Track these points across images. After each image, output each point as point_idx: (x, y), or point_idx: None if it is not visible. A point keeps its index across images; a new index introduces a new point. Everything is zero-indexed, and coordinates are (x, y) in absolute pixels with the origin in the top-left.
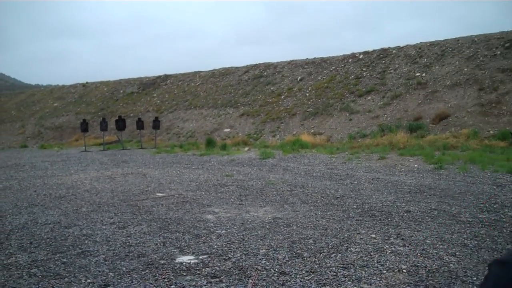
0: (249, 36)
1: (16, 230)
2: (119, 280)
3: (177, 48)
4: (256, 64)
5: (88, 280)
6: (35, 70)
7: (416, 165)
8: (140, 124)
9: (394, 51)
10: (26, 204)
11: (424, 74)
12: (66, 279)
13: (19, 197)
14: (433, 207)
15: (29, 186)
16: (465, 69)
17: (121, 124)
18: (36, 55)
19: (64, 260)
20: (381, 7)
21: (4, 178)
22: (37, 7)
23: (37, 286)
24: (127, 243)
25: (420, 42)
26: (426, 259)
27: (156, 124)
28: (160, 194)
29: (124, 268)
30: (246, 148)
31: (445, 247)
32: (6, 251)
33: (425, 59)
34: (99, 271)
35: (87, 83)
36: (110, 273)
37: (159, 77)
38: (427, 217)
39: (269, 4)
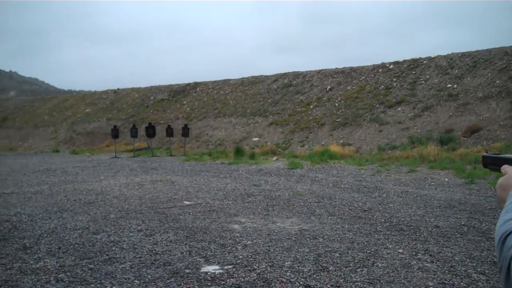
0: (282, 45)
1: (46, 235)
2: None
3: (209, 55)
4: (285, 73)
5: (114, 287)
6: (69, 76)
7: (446, 179)
8: (169, 132)
9: (425, 62)
10: (56, 209)
11: (455, 86)
12: (92, 285)
13: (49, 202)
14: (462, 223)
15: (60, 191)
16: (497, 81)
17: (151, 131)
18: (71, 60)
19: (91, 266)
20: (415, 17)
21: (35, 183)
22: (74, 12)
23: None
24: (154, 251)
25: (452, 53)
26: (454, 276)
27: (186, 131)
28: (187, 202)
29: (149, 276)
30: (275, 158)
31: (474, 264)
32: (35, 255)
33: (457, 70)
34: (125, 278)
35: (118, 89)
36: (136, 281)
37: (189, 84)
38: (456, 233)
39: (303, 12)
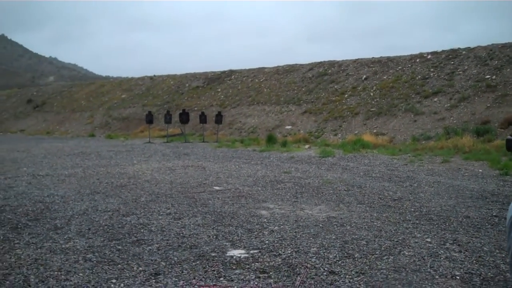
0: (320, 34)
1: (77, 216)
2: (169, 270)
3: (245, 43)
4: (321, 62)
5: (140, 268)
6: (107, 62)
7: (480, 170)
8: (203, 118)
9: (464, 52)
10: (88, 191)
11: (494, 77)
12: (119, 265)
13: (82, 184)
14: (494, 214)
15: (93, 174)
16: None
17: (184, 118)
18: (110, 47)
19: (119, 247)
20: (455, 7)
21: (70, 166)
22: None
23: (91, 271)
24: (181, 234)
25: (492, 44)
26: (481, 266)
27: (219, 118)
28: (217, 188)
29: (175, 258)
30: (307, 146)
31: (503, 255)
32: (66, 235)
33: (496, 61)
34: (152, 260)
35: (154, 76)
36: (162, 262)
37: (224, 72)
38: (486, 224)
39: (342, 1)
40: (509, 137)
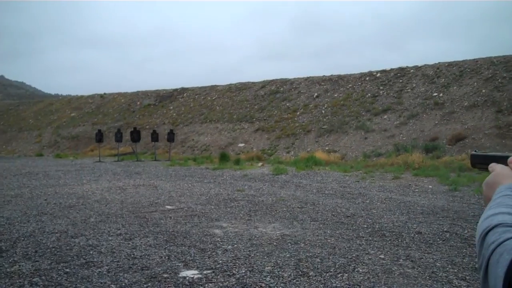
0: (273, 52)
1: (23, 238)
2: None
3: (198, 61)
4: (273, 80)
5: None
6: (56, 80)
7: (430, 186)
8: (154, 136)
9: (412, 71)
10: (35, 213)
11: (441, 95)
12: None
13: (29, 205)
14: (445, 229)
15: (40, 195)
16: (483, 91)
17: (136, 136)
18: (59, 64)
19: (67, 270)
20: (403, 27)
21: (16, 186)
22: (65, 17)
23: None
24: (132, 255)
25: (439, 62)
26: (435, 282)
27: (171, 136)
28: (169, 207)
29: (126, 281)
30: (260, 164)
31: (455, 270)
32: (11, 259)
33: (443, 79)
34: (101, 283)
35: (104, 94)
36: (112, 285)
37: (176, 90)
38: (438, 239)
39: (295, 21)
40: (473, 152)
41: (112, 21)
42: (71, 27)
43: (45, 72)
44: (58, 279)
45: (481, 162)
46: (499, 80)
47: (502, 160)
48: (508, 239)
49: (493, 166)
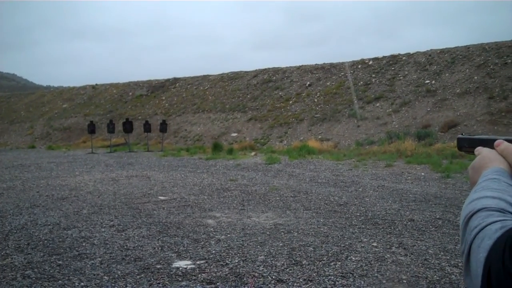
0: (267, 41)
1: (15, 231)
2: (113, 284)
3: (190, 51)
4: (265, 69)
5: (82, 284)
6: (48, 71)
7: (423, 174)
8: (147, 127)
9: (404, 58)
10: (27, 205)
11: (433, 82)
12: (59, 281)
13: (21, 198)
14: (437, 216)
15: (33, 187)
16: (475, 77)
17: (128, 127)
18: (51, 56)
19: (60, 262)
20: (396, 14)
21: (8, 178)
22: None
23: None
24: (125, 247)
25: (431, 49)
26: (427, 269)
27: (163, 127)
28: (162, 198)
29: (119, 272)
30: (253, 153)
31: (448, 257)
32: (3, 251)
33: (435, 67)
34: (94, 274)
35: (96, 85)
36: (105, 277)
37: (168, 80)
38: (430, 227)
39: (288, 9)
40: (459, 135)
41: (105, 12)
42: (63, 19)
43: (37, 64)
44: (51, 271)
45: (467, 145)
46: (491, 67)
47: (489, 143)
48: (490, 223)
49: (479, 149)
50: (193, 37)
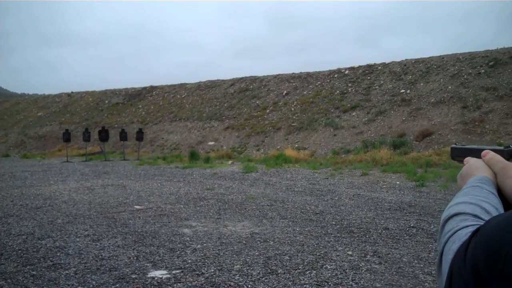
0: (248, 50)
1: None
2: None
3: (169, 59)
4: (243, 78)
5: None
6: (23, 79)
7: (398, 182)
8: (123, 136)
9: (379, 68)
10: (1, 215)
11: (408, 91)
12: None
13: None
14: (411, 225)
15: (6, 196)
16: (449, 87)
17: (104, 135)
18: (26, 63)
19: (34, 272)
20: (376, 24)
21: None
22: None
23: None
24: (100, 256)
25: (405, 59)
26: (401, 277)
27: (140, 135)
28: (138, 207)
29: (94, 282)
30: (230, 162)
31: (421, 265)
32: None
33: (410, 76)
34: (68, 285)
35: (72, 92)
36: (79, 287)
37: (145, 88)
38: (405, 235)
39: (271, 17)
40: (453, 145)
41: (84, 19)
42: (38, 24)
43: (12, 71)
44: (25, 282)
45: (459, 155)
46: (465, 77)
47: (477, 152)
48: (463, 227)
49: (468, 159)
50: (174, 45)
